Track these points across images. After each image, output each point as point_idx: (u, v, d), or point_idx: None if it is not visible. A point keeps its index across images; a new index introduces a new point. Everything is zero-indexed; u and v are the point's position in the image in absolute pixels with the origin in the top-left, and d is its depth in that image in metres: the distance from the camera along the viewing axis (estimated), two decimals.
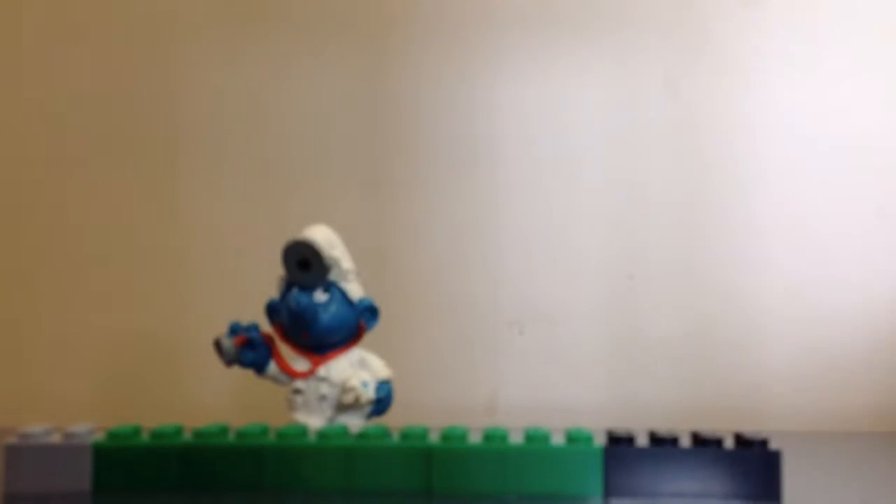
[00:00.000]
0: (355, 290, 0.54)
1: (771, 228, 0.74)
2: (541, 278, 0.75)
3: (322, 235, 0.53)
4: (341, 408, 0.52)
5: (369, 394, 0.51)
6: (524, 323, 0.74)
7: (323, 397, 0.52)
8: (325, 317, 0.52)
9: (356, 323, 0.53)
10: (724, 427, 0.49)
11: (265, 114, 0.77)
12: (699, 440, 0.45)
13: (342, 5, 0.77)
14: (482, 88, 0.76)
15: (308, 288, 0.52)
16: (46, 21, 0.78)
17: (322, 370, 0.52)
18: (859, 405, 0.72)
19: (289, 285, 0.53)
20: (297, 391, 0.52)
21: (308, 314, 0.51)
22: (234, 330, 0.53)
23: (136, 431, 0.45)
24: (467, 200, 0.76)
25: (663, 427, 0.47)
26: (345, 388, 0.51)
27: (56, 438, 0.45)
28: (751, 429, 0.47)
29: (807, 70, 0.75)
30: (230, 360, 0.53)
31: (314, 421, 0.51)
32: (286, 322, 0.52)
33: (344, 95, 0.76)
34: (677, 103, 0.76)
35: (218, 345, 0.53)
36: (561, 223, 0.75)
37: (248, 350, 0.53)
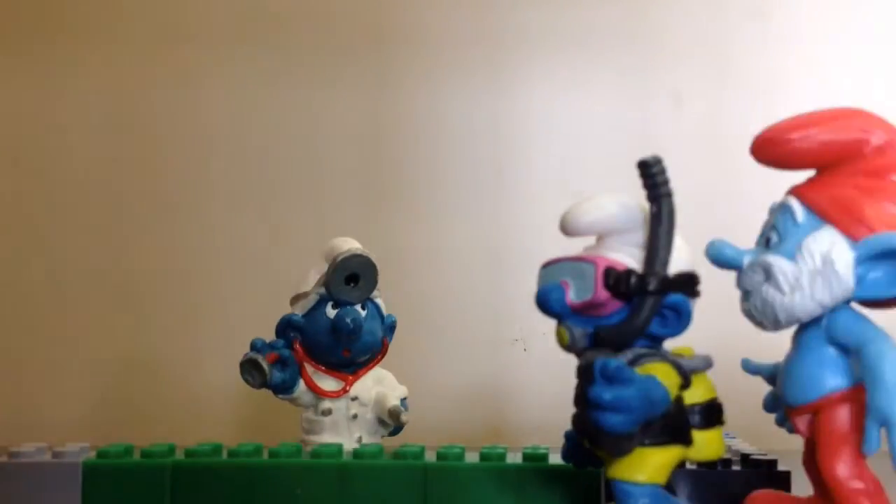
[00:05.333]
0: (383, 306, 0.52)
1: None
2: None
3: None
4: (374, 429, 0.51)
5: (407, 414, 0.50)
6: (528, 340, 0.73)
7: (354, 417, 0.50)
8: (366, 334, 0.50)
9: (382, 340, 0.52)
10: (734, 446, 0.48)
11: (265, 132, 0.76)
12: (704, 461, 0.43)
13: (347, 26, 0.77)
14: (486, 107, 0.76)
15: (349, 304, 0.50)
16: (54, 44, 0.77)
17: (353, 389, 0.50)
18: None
19: (322, 300, 0.50)
20: (327, 412, 0.50)
21: (358, 331, 0.49)
22: (260, 347, 0.49)
23: (128, 451, 0.44)
24: (471, 217, 0.75)
25: None
26: (389, 412, 0.50)
27: (47, 458, 0.44)
28: (759, 448, 0.46)
29: (814, 82, 0.74)
30: (264, 381, 0.48)
31: (343, 443, 0.48)
32: (322, 339, 0.50)
33: (348, 114, 0.76)
34: (684, 118, 0.75)
35: (252, 364, 0.48)
36: (567, 238, 0.74)
37: (278, 369, 0.49)
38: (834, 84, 0.74)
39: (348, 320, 0.49)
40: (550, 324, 0.73)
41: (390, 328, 0.53)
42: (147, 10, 0.77)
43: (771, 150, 0.37)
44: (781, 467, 0.43)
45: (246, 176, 0.76)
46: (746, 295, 0.37)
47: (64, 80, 0.77)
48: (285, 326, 0.50)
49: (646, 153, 0.74)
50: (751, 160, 0.75)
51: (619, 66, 0.76)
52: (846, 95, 0.74)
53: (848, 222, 0.34)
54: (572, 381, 0.74)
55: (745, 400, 0.72)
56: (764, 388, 0.72)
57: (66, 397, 0.74)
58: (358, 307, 0.50)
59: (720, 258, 0.37)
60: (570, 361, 0.72)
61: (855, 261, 0.34)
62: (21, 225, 0.76)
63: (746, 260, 0.37)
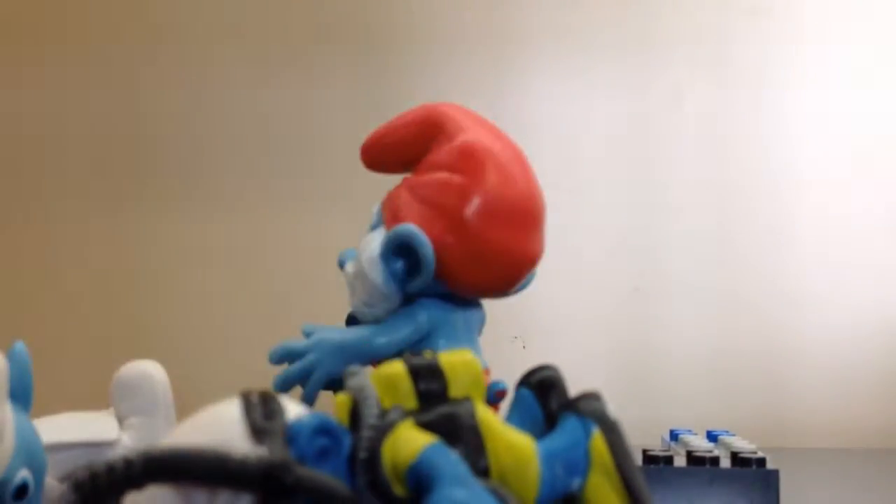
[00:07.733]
0: None
1: (778, 242, 0.73)
2: (544, 292, 0.74)
3: None
4: None
5: None
6: (527, 337, 0.73)
7: None
8: None
9: None
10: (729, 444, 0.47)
11: (262, 131, 0.76)
12: (694, 459, 0.43)
13: (347, 23, 0.77)
14: (486, 105, 0.75)
15: None
16: (48, 45, 0.78)
17: None
18: (872, 421, 0.70)
19: None
20: None
21: None
22: None
23: None
24: None
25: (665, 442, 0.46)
26: None
27: None
28: (760, 445, 0.46)
29: (816, 78, 0.73)
30: None
31: None
32: None
33: (346, 112, 0.76)
34: (686, 114, 0.74)
35: None
36: (565, 237, 0.74)
37: None
38: (835, 82, 0.73)
39: None
40: (550, 321, 0.73)
41: None
42: (144, 8, 0.78)
43: (365, 159, 0.38)
44: (771, 466, 0.42)
45: (245, 175, 0.76)
46: None
47: (63, 80, 0.77)
48: None
49: (646, 151, 0.75)
50: (751, 158, 0.75)
51: (619, 63, 0.75)
52: (847, 93, 0.73)
53: (388, 220, 0.35)
54: (572, 379, 0.74)
55: (743, 398, 0.72)
56: (764, 387, 0.72)
57: (63, 395, 0.74)
58: None
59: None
60: (570, 360, 0.72)
61: (380, 257, 0.34)
62: (18, 224, 0.76)
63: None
